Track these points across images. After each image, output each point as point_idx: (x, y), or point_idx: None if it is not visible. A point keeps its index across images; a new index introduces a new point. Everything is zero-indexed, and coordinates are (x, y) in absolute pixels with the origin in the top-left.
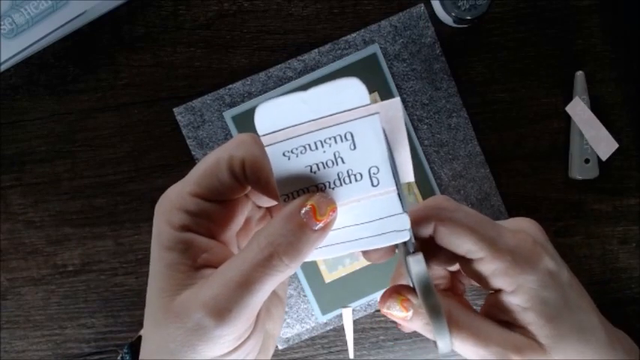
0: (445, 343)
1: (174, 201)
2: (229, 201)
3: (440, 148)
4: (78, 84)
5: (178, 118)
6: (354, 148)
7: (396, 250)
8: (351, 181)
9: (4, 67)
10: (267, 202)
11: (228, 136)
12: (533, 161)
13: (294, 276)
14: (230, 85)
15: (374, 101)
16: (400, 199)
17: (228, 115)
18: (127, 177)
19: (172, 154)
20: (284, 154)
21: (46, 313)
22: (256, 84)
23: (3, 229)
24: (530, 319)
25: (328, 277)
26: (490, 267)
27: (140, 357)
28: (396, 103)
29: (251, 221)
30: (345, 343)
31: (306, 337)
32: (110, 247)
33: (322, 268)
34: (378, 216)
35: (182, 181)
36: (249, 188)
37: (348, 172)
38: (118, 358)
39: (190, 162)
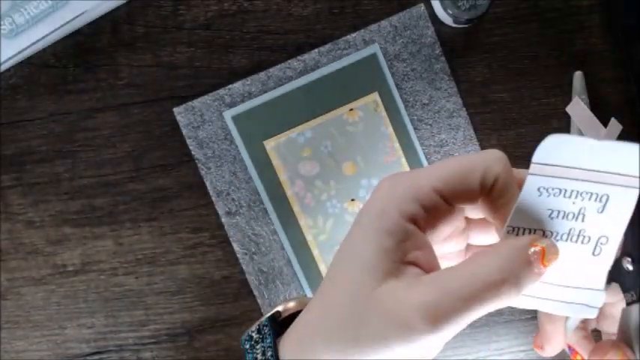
0: None
1: (410, 189)
2: (457, 207)
3: (440, 148)
4: (78, 84)
5: (178, 118)
6: (602, 211)
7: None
8: (576, 242)
9: (4, 67)
10: (477, 214)
11: (228, 136)
12: None
13: (295, 275)
14: (230, 85)
15: (374, 102)
16: (607, 278)
17: (228, 115)
18: (127, 177)
19: (172, 154)
20: (538, 189)
21: (46, 313)
22: (256, 84)
23: (3, 229)
24: None
25: None
26: None
27: (303, 322)
28: None
29: (453, 231)
30: None
31: None
32: (110, 247)
33: (322, 267)
34: (577, 284)
35: (422, 172)
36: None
37: (580, 231)
38: (253, 328)
39: (190, 162)
